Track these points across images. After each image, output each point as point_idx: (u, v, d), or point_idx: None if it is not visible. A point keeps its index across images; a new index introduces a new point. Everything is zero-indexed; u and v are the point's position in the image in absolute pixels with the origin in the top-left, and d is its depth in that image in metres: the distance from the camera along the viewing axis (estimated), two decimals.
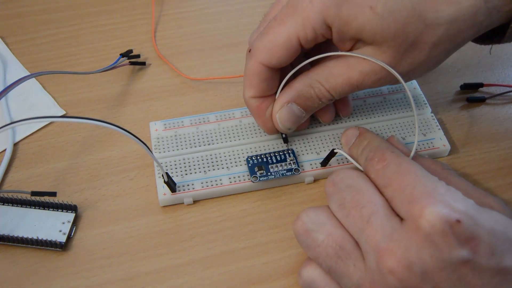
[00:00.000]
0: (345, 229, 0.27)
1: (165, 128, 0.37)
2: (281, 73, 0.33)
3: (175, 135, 0.37)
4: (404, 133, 0.37)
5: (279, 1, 0.33)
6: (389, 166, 0.28)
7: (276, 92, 0.34)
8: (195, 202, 0.35)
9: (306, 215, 0.29)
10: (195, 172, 0.35)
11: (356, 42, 0.31)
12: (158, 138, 0.37)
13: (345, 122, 0.38)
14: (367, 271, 0.26)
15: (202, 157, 0.36)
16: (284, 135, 0.36)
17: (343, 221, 0.28)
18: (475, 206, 0.25)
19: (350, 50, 0.31)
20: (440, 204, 0.24)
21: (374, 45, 0.30)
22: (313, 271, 0.29)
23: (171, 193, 0.34)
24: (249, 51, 0.32)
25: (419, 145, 0.36)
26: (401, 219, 0.26)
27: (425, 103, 0.39)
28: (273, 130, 0.35)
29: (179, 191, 0.34)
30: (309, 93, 0.33)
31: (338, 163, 0.35)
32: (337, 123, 0.38)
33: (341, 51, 0.32)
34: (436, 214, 0.24)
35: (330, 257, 0.27)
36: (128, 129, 0.29)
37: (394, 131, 0.37)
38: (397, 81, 0.31)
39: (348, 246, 0.27)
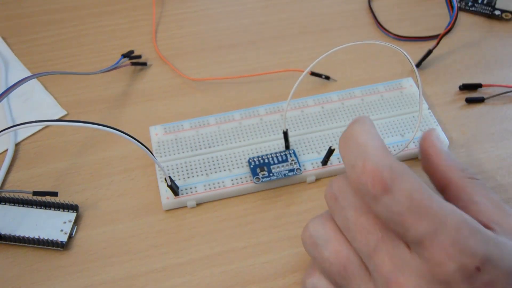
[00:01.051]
0: (351, 247, 0.26)
1: (165, 132, 0.38)
2: None
3: (176, 139, 0.37)
4: (402, 130, 0.37)
5: None
6: (395, 196, 0.24)
7: None
8: (198, 205, 0.35)
9: (314, 228, 0.27)
10: (197, 175, 0.35)
11: None
12: (158, 143, 0.37)
13: (344, 121, 0.38)
14: None
15: (203, 160, 0.36)
16: (286, 143, 0.36)
17: (350, 241, 0.26)
18: (497, 241, 0.23)
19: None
20: (461, 253, 0.22)
21: None
22: (318, 281, 0.28)
23: (174, 196, 0.34)
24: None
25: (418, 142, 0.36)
26: (409, 248, 0.24)
27: (422, 100, 0.39)
28: None
29: (182, 194, 0.34)
30: None
31: (339, 162, 0.36)
32: (337, 122, 0.38)
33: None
34: (455, 264, 0.22)
35: (334, 274, 0.26)
36: (129, 130, 0.30)
37: (392, 129, 0.37)
38: None
39: (353, 267, 0.25)
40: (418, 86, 0.32)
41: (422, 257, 0.23)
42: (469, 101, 0.40)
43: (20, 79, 0.33)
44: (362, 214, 0.25)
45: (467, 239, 0.22)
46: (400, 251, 0.24)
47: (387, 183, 0.23)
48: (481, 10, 0.46)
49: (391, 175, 0.23)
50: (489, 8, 0.46)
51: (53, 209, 0.34)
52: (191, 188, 0.35)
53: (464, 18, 0.46)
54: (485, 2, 0.46)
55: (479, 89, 0.41)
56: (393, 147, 0.37)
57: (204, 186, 0.35)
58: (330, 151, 0.35)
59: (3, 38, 0.46)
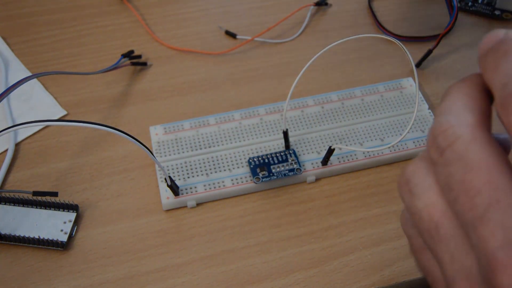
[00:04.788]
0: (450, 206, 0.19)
1: (165, 132, 0.38)
2: None
3: (176, 139, 0.37)
4: (402, 130, 0.37)
5: None
6: None
7: None
8: (198, 205, 0.35)
9: (414, 173, 0.21)
10: (197, 175, 0.35)
11: None
12: (158, 142, 0.37)
13: (344, 121, 0.38)
14: (471, 273, 0.19)
15: (203, 160, 0.36)
16: (286, 143, 0.36)
17: (451, 205, 0.19)
18: None
19: None
20: None
21: None
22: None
23: (174, 196, 0.34)
24: None
25: (418, 141, 0.36)
26: None
27: (422, 100, 0.39)
28: None
29: (182, 194, 0.34)
30: None
31: (339, 162, 0.36)
32: (337, 122, 0.38)
33: None
34: None
35: (423, 232, 0.20)
36: (129, 130, 0.30)
37: (392, 129, 0.37)
38: None
39: (447, 229, 0.20)
40: (415, 81, 0.32)
41: None
42: None
43: (20, 79, 0.33)
44: (472, 169, 0.18)
45: None
46: None
47: None
48: (481, 10, 0.46)
49: None
50: (489, 8, 0.46)
51: (53, 209, 0.34)
52: (191, 188, 0.35)
53: (464, 18, 0.46)
54: (485, 2, 0.46)
55: None
56: (392, 147, 0.37)
57: (204, 186, 0.35)
58: (330, 151, 0.35)
59: (3, 38, 0.46)
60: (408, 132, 0.32)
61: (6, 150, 0.38)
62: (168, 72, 0.43)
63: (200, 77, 0.42)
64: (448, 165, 0.19)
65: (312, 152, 0.36)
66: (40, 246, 0.33)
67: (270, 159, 0.35)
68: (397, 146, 0.37)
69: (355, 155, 0.36)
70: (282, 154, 0.36)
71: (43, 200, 0.34)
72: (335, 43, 0.32)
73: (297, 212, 0.34)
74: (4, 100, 0.40)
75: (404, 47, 0.31)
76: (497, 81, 0.19)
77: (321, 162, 0.35)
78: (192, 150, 0.36)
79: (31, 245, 0.33)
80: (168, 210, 0.35)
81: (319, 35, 0.46)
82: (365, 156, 0.36)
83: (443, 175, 0.19)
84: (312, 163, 0.36)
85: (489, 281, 0.18)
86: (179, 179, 0.35)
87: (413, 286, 0.32)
